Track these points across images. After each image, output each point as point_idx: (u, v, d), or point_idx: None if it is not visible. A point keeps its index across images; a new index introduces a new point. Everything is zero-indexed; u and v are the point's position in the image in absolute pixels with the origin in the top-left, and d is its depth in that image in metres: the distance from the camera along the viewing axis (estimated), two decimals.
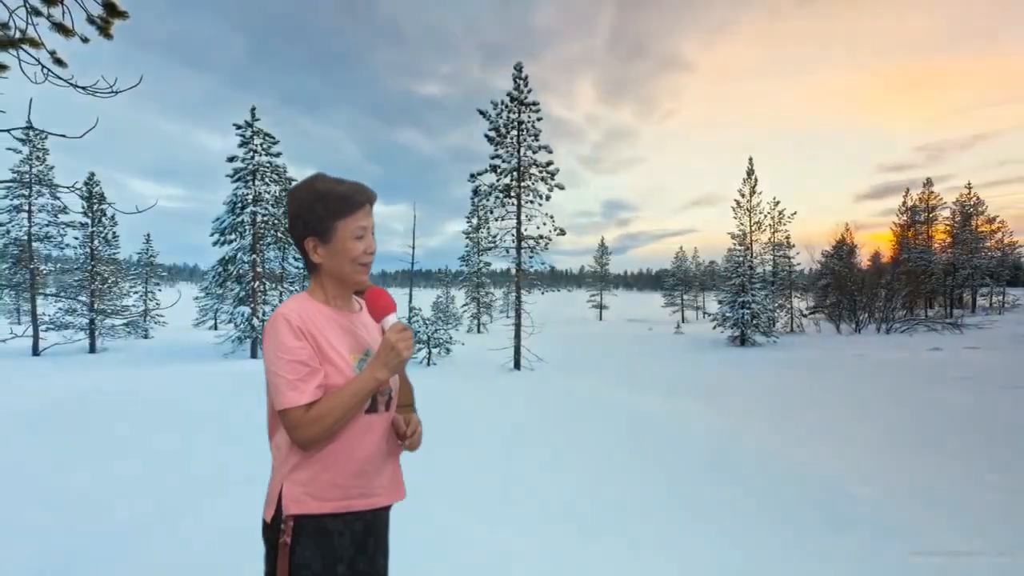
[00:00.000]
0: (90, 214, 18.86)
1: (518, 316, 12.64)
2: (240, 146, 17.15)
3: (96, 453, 4.88)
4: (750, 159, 24.57)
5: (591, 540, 3.12)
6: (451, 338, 13.64)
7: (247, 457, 4.65)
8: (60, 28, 3.09)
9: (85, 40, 3.15)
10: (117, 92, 2.92)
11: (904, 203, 37.48)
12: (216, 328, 32.02)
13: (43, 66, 2.85)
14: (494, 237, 13.20)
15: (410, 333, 1.22)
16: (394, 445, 1.36)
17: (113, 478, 4.17)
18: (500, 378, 11.06)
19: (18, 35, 3.00)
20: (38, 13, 2.96)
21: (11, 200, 17.61)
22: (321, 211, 1.24)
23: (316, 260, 1.28)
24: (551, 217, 12.98)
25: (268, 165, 17.41)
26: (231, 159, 17.15)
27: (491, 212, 13.23)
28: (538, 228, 13.00)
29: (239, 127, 17.03)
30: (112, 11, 3.13)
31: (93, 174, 19.07)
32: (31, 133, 16.03)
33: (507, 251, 13.38)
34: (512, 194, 12.98)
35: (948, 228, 36.29)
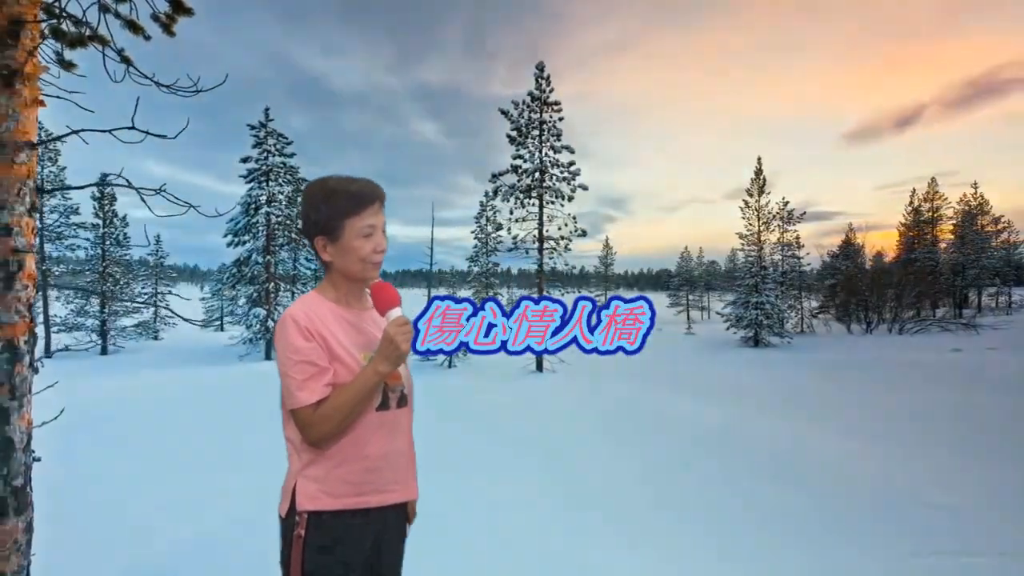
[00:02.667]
0: (101, 215, 18.73)
1: None
2: (254, 147, 17.01)
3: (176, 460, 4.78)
4: (758, 159, 24.49)
5: (642, 544, 3.02)
6: None
7: None
8: (131, 25, 2.99)
9: (148, 38, 3.05)
10: (199, 91, 2.82)
11: (911, 202, 37.44)
12: (223, 329, 31.88)
13: (128, 64, 2.75)
14: (515, 238, 13.10)
15: (410, 327, 1.22)
16: (407, 443, 1.37)
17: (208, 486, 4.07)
18: (525, 381, 10.96)
19: (88, 32, 2.90)
20: (107, 9, 2.85)
21: None
22: (329, 210, 1.25)
23: (326, 258, 1.29)
24: (574, 218, 12.90)
25: (282, 166, 17.28)
26: (244, 160, 17.02)
27: (511, 213, 13.14)
28: (559, 229, 12.92)
29: (253, 128, 16.89)
30: (178, 8, 3.03)
31: (105, 175, 18.90)
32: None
33: (527, 251, 13.28)
34: (534, 195, 12.88)
35: (954, 227, 36.18)
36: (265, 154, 17.07)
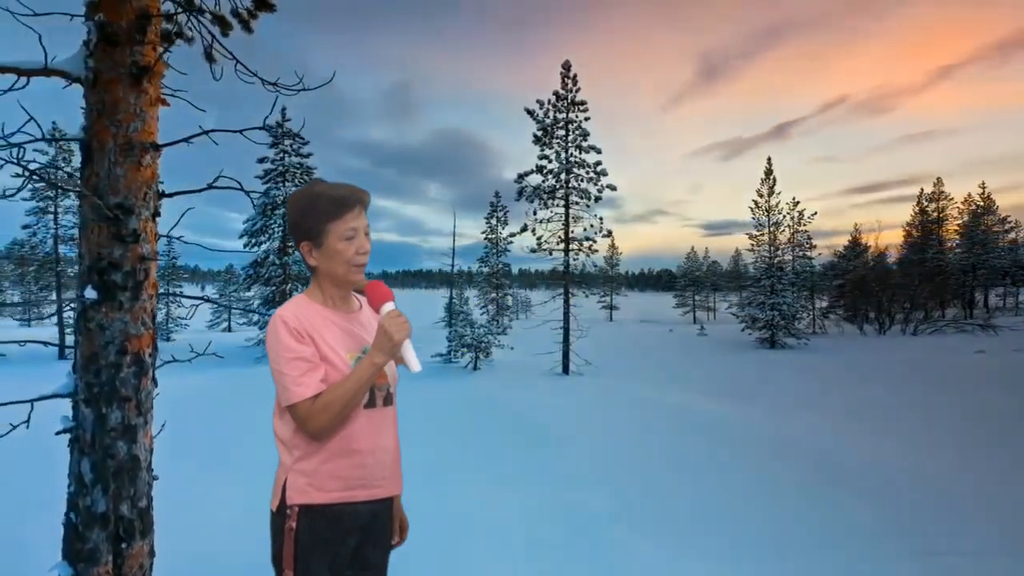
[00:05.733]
0: None
1: (566, 319, 12.41)
2: (271, 147, 16.90)
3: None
4: (768, 159, 24.39)
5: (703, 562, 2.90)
6: (499, 342, 13.30)
7: None
8: (220, 21, 2.88)
9: (225, 34, 2.95)
10: (303, 89, 2.72)
11: (919, 202, 37.37)
12: (230, 331, 31.80)
13: (236, 60, 2.64)
14: (539, 239, 12.99)
15: (404, 318, 1.26)
16: (393, 439, 1.41)
17: None
18: (553, 383, 10.82)
19: (176, 29, 2.80)
20: (190, 6, 2.75)
21: (36, 202, 17.37)
22: (312, 215, 1.29)
23: (312, 263, 1.34)
24: (600, 219, 12.79)
25: (299, 166, 17.17)
26: (261, 160, 16.91)
27: (535, 213, 13.04)
28: (584, 230, 12.82)
29: (270, 128, 16.76)
30: (261, 3, 2.92)
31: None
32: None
33: (551, 252, 13.19)
34: (559, 195, 12.78)
35: (961, 227, 36.09)
36: (282, 154, 16.96)
